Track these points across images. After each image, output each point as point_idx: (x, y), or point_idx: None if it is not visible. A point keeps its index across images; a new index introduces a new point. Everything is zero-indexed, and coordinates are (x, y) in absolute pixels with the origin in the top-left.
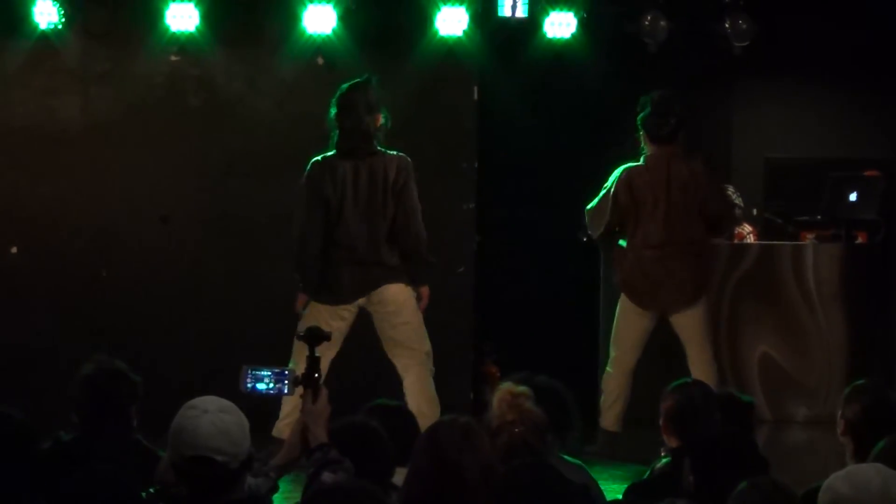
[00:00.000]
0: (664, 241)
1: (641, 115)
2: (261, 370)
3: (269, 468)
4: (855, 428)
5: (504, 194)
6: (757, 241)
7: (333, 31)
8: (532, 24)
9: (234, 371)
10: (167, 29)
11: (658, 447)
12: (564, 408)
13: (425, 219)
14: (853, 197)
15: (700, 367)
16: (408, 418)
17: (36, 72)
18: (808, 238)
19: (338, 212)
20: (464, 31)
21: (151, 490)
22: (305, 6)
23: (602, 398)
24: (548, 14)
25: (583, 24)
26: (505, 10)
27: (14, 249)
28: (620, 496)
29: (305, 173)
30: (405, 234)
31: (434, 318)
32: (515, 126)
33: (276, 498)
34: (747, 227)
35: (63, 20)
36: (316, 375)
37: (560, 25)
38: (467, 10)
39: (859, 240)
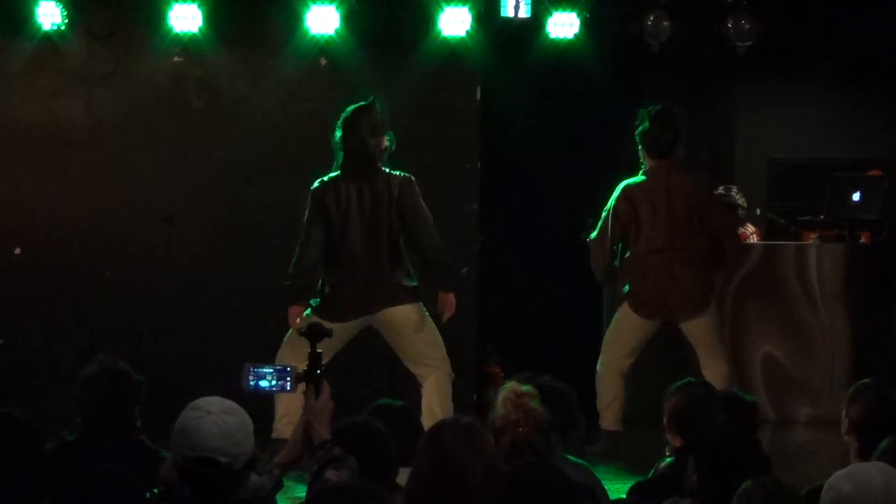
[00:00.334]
0: (666, 245)
1: (639, 129)
2: (262, 368)
3: (272, 466)
4: (859, 427)
5: (507, 195)
6: (760, 242)
7: (336, 31)
8: (535, 24)
9: (239, 371)
10: (170, 30)
11: (661, 447)
12: (568, 408)
13: None
14: (856, 197)
15: (712, 371)
16: (411, 418)
17: (39, 73)
18: (812, 238)
19: (341, 232)
20: (466, 32)
21: (155, 490)
22: (308, 7)
23: (598, 400)
24: (550, 14)
25: (585, 24)
26: (508, 11)
27: (18, 250)
28: (624, 496)
29: (310, 191)
30: (425, 245)
31: (438, 319)
32: (518, 126)
33: (280, 496)
34: (750, 228)
35: (66, 21)
36: (318, 372)
37: (563, 26)
38: (470, 10)
39: (862, 240)
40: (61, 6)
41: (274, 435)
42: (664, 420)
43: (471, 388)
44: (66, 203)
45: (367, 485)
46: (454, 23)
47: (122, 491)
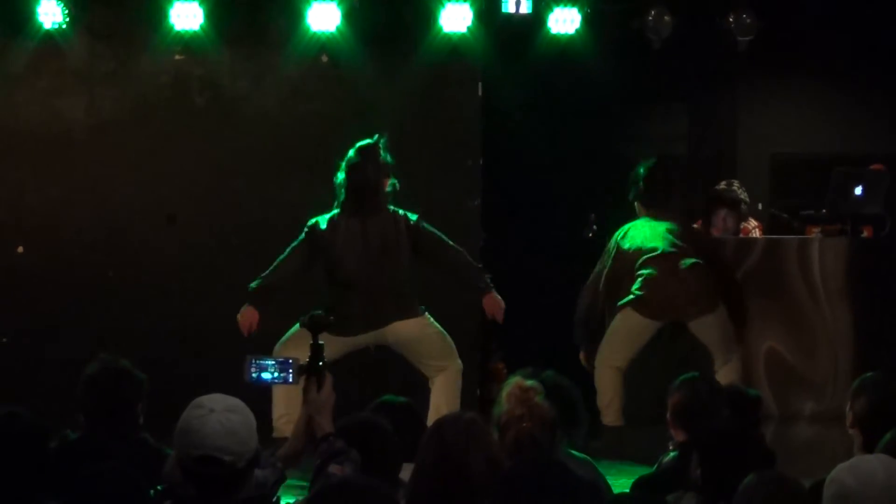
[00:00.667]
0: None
1: (633, 191)
2: (265, 360)
3: (275, 459)
4: (863, 421)
5: (509, 191)
6: (762, 236)
7: (338, 28)
8: (536, 20)
9: (241, 365)
10: (171, 28)
11: (665, 442)
12: (571, 404)
13: (430, 216)
14: (858, 191)
15: (725, 372)
16: (414, 414)
17: (40, 72)
18: (814, 233)
19: (338, 262)
20: (468, 28)
21: (159, 488)
22: (310, 4)
23: (598, 397)
24: (552, 10)
25: (587, 20)
26: (509, 7)
27: (20, 249)
28: (628, 491)
29: (306, 224)
30: (450, 259)
31: (441, 316)
32: (520, 122)
33: (283, 492)
34: (753, 222)
35: (67, 20)
36: (320, 364)
37: (564, 22)
38: (471, 6)
39: (865, 234)
40: (62, 5)
41: (275, 434)
42: (668, 415)
43: (474, 385)
44: (68, 202)
45: (371, 481)
46: (455, 19)
47: (125, 489)
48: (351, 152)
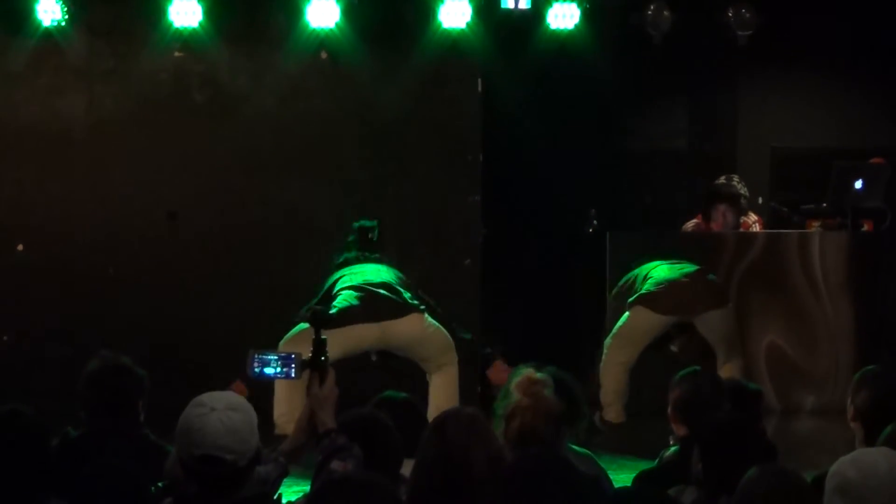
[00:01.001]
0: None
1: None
2: (268, 354)
3: (277, 454)
4: (864, 414)
5: (509, 186)
6: (763, 231)
7: (337, 25)
8: (535, 15)
9: (242, 365)
10: (171, 25)
11: (666, 436)
12: (573, 399)
13: (430, 211)
14: (859, 185)
15: (724, 370)
16: (415, 410)
17: (40, 70)
18: (814, 226)
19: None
20: (467, 24)
21: (160, 485)
22: (309, 1)
23: (601, 393)
24: (551, 6)
25: (586, 15)
26: (508, 2)
27: (20, 247)
28: (629, 485)
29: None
30: None
31: (442, 311)
32: (520, 118)
33: (285, 489)
34: (753, 217)
35: (66, 18)
36: (322, 358)
37: (563, 17)
38: (470, 2)
39: (865, 228)
40: (61, 3)
41: (277, 431)
42: (669, 409)
43: (475, 380)
44: (68, 199)
45: (372, 476)
46: (455, 15)
47: (126, 486)
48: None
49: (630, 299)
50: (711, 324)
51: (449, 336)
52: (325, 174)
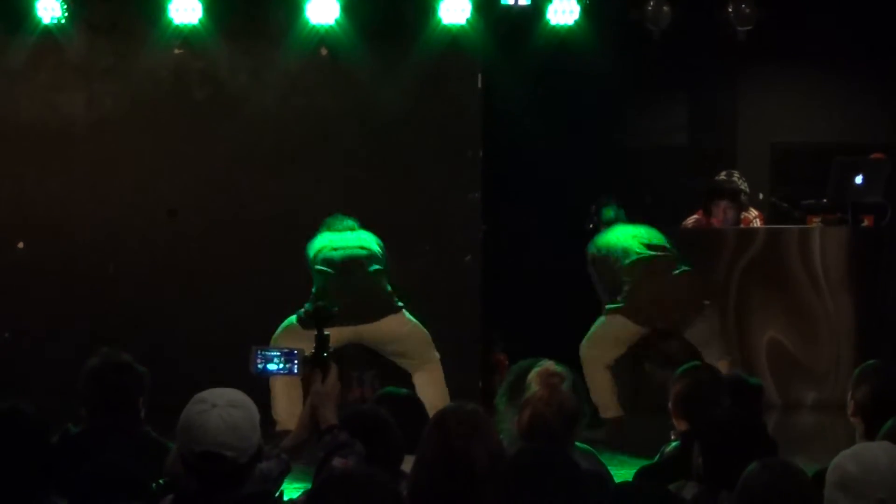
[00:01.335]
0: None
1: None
2: (270, 351)
3: (279, 450)
4: (865, 409)
5: (509, 182)
6: (763, 226)
7: (337, 21)
8: (535, 11)
9: (243, 363)
10: (170, 22)
11: (667, 431)
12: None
13: (430, 208)
14: (859, 180)
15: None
16: (416, 406)
17: (40, 67)
18: (815, 222)
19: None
20: (467, 20)
21: (161, 482)
22: None
23: (592, 394)
24: (551, 1)
25: (586, 11)
26: None
27: (21, 244)
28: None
29: None
30: None
31: (442, 308)
32: (520, 114)
33: (286, 486)
34: (753, 212)
35: (66, 15)
36: (325, 355)
37: (563, 13)
38: None
39: (865, 223)
40: (61, 0)
41: (278, 427)
42: (670, 404)
43: (476, 376)
44: (68, 197)
45: (373, 472)
46: (454, 11)
47: (126, 483)
48: None
49: (609, 306)
50: (694, 329)
51: (427, 333)
52: (326, 171)
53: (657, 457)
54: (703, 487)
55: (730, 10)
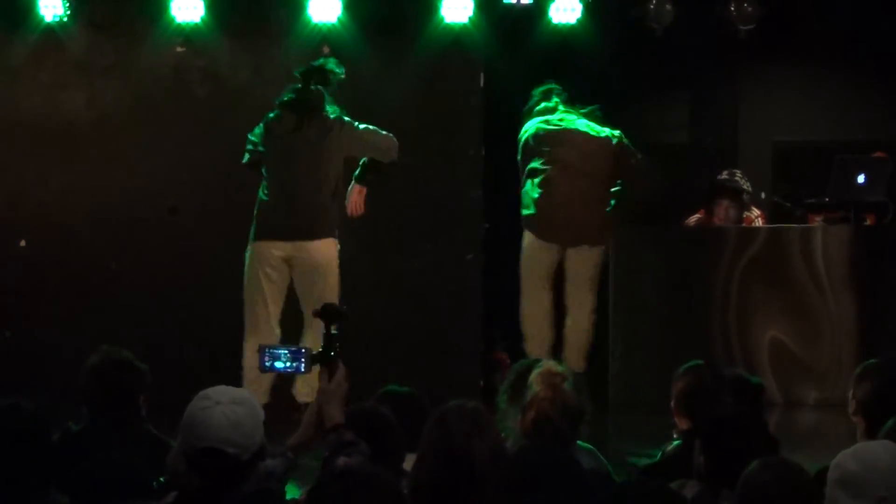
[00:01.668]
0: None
1: None
2: (277, 348)
3: (284, 448)
4: (866, 407)
5: (511, 180)
6: (765, 225)
7: (339, 19)
8: (537, 9)
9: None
10: (172, 20)
11: (669, 430)
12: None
13: (432, 205)
14: (861, 179)
15: (578, 313)
16: (417, 404)
17: (41, 65)
18: (817, 221)
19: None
20: (469, 18)
21: (162, 479)
22: None
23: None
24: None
25: (588, 9)
26: None
27: (22, 242)
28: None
29: None
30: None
31: (443, 306)
32: (522, 112)
33: (289, 485)
34: (755, 211)
35: (68, 13)
36: (332, 353)
37: (565, 11)
38: None
39: (868, 222)
40: None
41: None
42: (671, 402)
43: (477, 375)
44: (69, 195)
45: (375, 469)
46: (456, 9)
47: (128, 480)
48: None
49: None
50: (578, 260)
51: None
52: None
53: (658, 455)
54: (704, 486)
55: (731, 8)
